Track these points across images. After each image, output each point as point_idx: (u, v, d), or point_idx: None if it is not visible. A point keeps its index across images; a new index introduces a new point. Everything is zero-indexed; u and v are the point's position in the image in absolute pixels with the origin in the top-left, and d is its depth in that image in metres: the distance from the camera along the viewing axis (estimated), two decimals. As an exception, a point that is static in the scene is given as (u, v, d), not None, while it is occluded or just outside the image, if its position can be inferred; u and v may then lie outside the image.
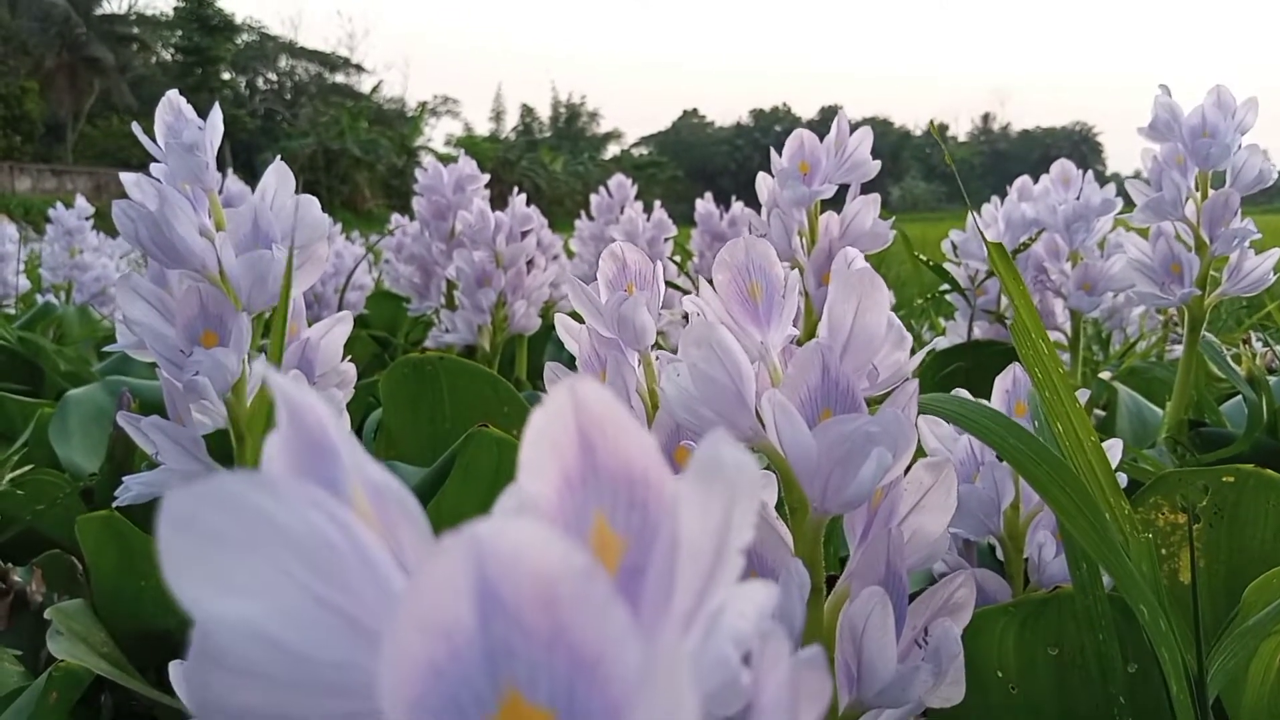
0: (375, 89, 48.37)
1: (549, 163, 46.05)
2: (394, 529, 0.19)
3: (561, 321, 0.60)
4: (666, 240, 2.27)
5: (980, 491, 0.62)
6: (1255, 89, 1.19)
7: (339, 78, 48.46)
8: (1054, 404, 0.52)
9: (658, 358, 0.57)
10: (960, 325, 1.63)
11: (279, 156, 0.81)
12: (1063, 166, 1.59)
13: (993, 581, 0.63)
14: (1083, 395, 0.57)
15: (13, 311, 2.74)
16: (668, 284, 1.99)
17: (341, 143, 37.14)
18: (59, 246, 2.81)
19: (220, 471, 0.74)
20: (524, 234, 1.70)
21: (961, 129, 75.38)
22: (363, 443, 1.14)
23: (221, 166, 0.76)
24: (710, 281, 0.49)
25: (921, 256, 1.50)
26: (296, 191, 0.76)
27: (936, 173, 63.40)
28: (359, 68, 49.04)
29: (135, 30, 42.58)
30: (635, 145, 66.70)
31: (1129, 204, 1.21)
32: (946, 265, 1.62)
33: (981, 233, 0.63)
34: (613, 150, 62.29)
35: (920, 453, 0.55)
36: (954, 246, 1.68)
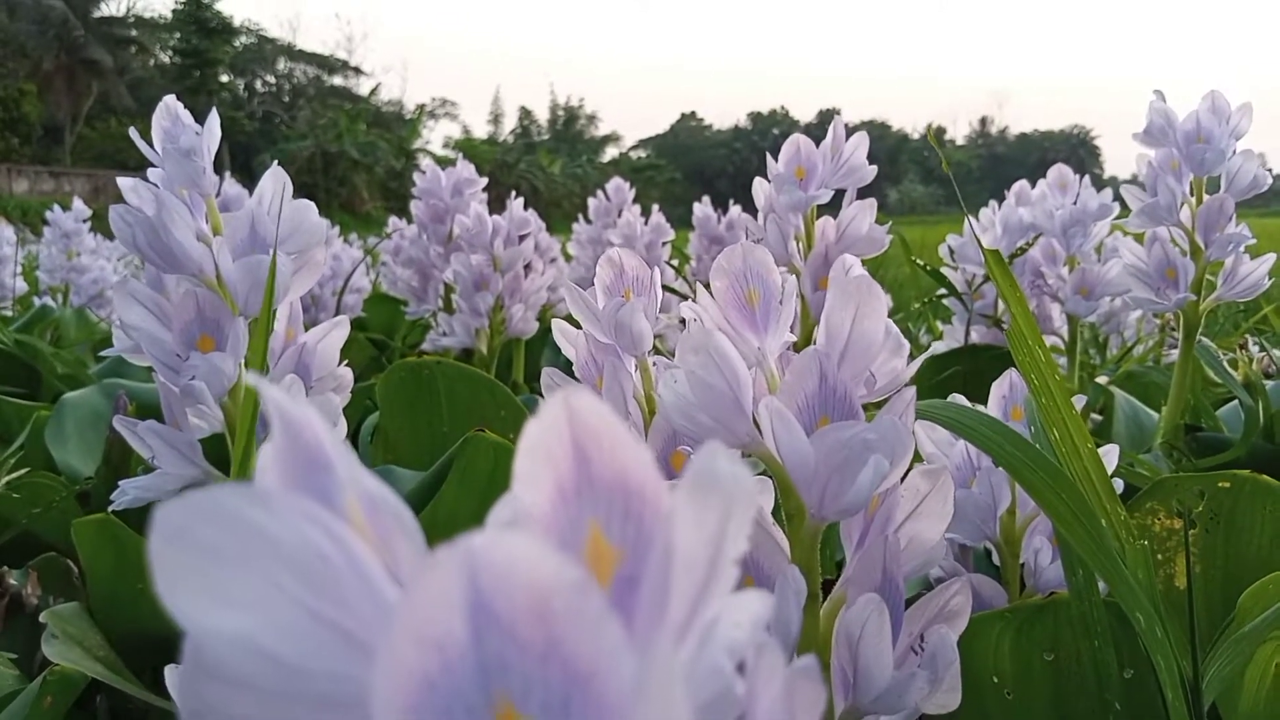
0: (373, 91, 48.39)
1: (547, 165, 46.07)
2: (388, 541, 0.19)
3: (559, 327, 0.60)
4: (664, 244, 2.28)
5: (976, 497, 0.62)
6: (1250, 93, 1.19)
7: (337, 80, 48.48)
8: (1050, 410, 0.52)
9: (655, 363, 0.57)
10: (957, 329, 1.63)
11: (276, 160, 0.81)
12: (1060, 171, 1.59)
13: (988, 587, 0.63)
14: (1079, 401, 0.57)
15: (10, 314, 2.74)
16: (665, 288, 1.99)
17: (339, 145, 37.13)
18: (56, 249, 2.81)
19: (216, 478, 0.74)
20: (522, 238, 1.70)
21: (959, 132, 75.50)
22: (359, 446, 1.14)
23: (219, 169, 0.76)
24: (708, 286, 0.49)
25: (919, 261, 1.50)
26: (294, 195, 0.76)
27: (934, 176, 63.46)
28: (357, 70, 49.06)
29: (133, 33, 42.56)
30: (633, 148, 66.76)
31: (1125, 209, 1.21)
32: (944, 270, 1.62)
33: (979, 239, 0.63)
34: (611, 153, 62.34)
35: (916, 458, 0.55)
36: (951, 251, 1.69)
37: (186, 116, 0.74)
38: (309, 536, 0.17)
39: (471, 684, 0.16)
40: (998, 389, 0.63)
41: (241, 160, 36.49)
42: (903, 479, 0.44)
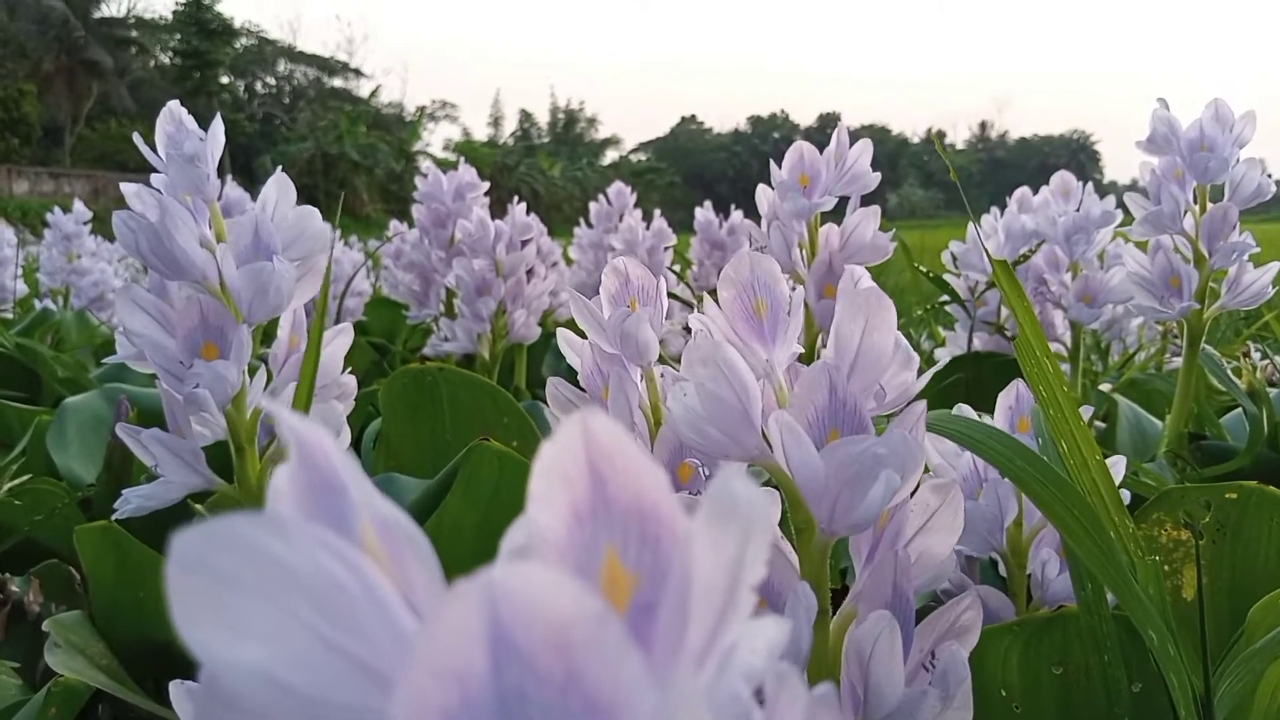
0: (374, 93, 48.40)
1: (547, 168, 46.07)
2: (403, 566, 0.19)
3: (563, 336, 0.60)
4: (666, 249, 2.27)
5: (983, 508, 0.61)
6: (1252, 100, 1.19)
7: (337, 82, 48.50)
8: (1058, 421, 0.52)
9: (662, 374, 0.57)
10: (960, 336, 1.63)
11: (278, 164, 0.81)
12: (1062, 178, 1.59)
13: (996, 599, 0.63)
14: (1086, 412, 0.57)
15: (10, 316, 2.73)
16: (668, 294, 1.99)
17: (340, 147, 37.13)
18: (57, 251, 2.81)
19: (219, 486, 0.74)
20: (524, 243, 1.69)
21: (959, 136, 75.55)
22: (362, 453, 1.14)
23: (220, 171, 0.76)
24: (710, 292, 0.48)
25: (921, 267, 1.49)
26: (295, 199, 0.76)
27: (934, 180, 63.50)
28: (357, 72, 49.07)
29: (134, 34, 42.58)
30: (633, 151, 66.78)
31: (1129, 215, 1.21)
32: (946, 276, 1.62)
33: (985, 247, 0.63)
34: (611, 156, 62.36)
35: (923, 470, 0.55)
36: (954, 258, 1.68)
37: (190, 122, 0.74)
38: (325, 566, 0.17)
39: (491, 716, 0.16)
40: (1004, 400, 0.63)
41: (242, 162, 36.49)
42: (912, 493, 0.44)
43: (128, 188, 0.73)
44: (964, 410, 0.61)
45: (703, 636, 0.19)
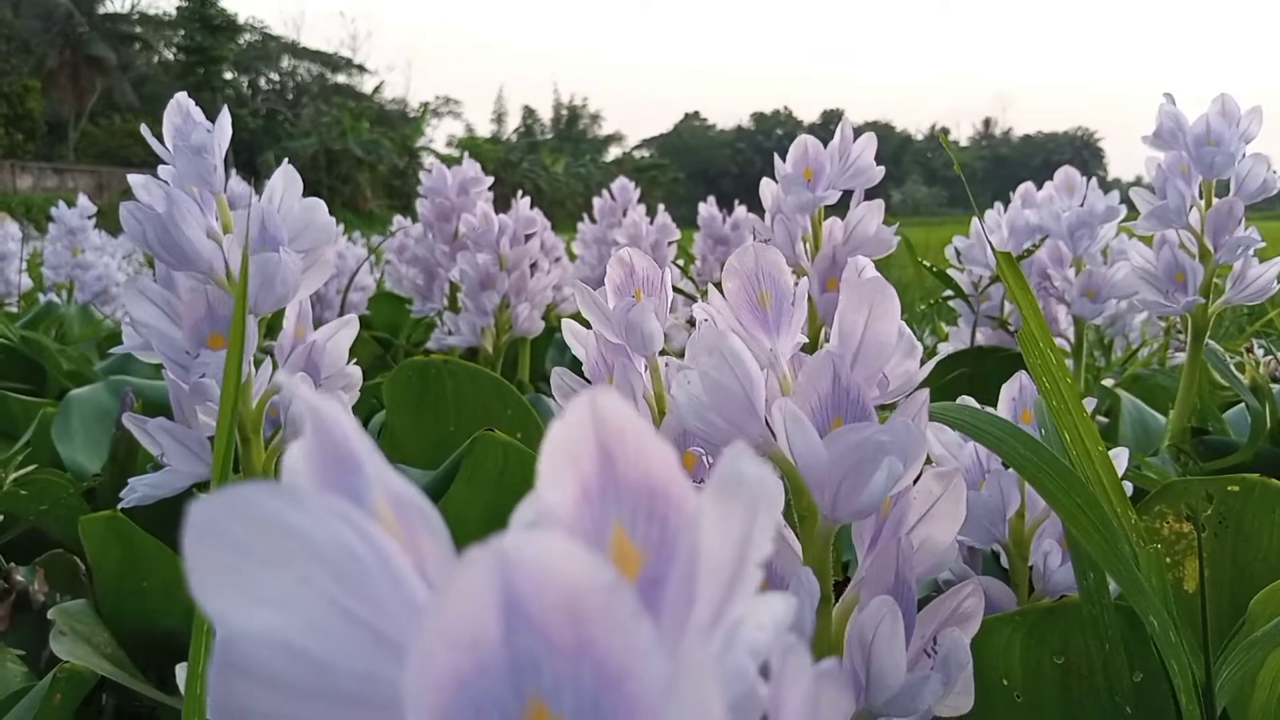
0: (377, 89, 48.40)
1: (550, 164, 46.06)
2: (415, 539, 0.19)
3: (569, 327, 0.60)
4: (670, 244, 2.28)
5: (986, 499, 0.62)
6: (1258, 96, 1.19)
7: (341, 78, 48.48)
8: (1062, 413, 0.52)
9: (666, 364, 0.57)
10: (963, 331, 1.63)
11: (283, 159, 0.81)
12: (1066, 174, 1.59)
13: (997, 589, 0.63)
14: (1089, 404, 0.57)
15: (15, 310, 2.74)
16: (672, 288, 1.99)
17: (343, 143, 37.14)
18: (61, 245, 2.81)
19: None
20: (528, 237, 1.70)
21: (963, 133, 75.47)
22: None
23: (225, 166, 0.76)
24: (714, 286, 0.49)
25: (925, 262, 1.50)
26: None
27: (938, 177, 63.46)
28: (361, 68, 49.06)
29: (138, 29, 42.58)
30: (637, 147, 66.76)
31: (1133, 210, 1.21)
32: (950, 271, 1.62)
33: (990, 241, 0.63)
34: (614, 152, 62.34)
35: (926, 459, 0.55)
36: (958, 253, 1.69)
37: (198, 114, 0.74)
38: (341, 535, 0.17)
39: (503, 684, 0.16)
40: (1008, 391, 0.63)
41: (245, 158, 36.50)
42: (915, 481, 0.44)
43: (135, 179, 0.74)
44: (967, 402, 0.61)
45: (710, 611, 0.20)
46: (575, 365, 0.60)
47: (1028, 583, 0.64)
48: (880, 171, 0.99)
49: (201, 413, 0.73)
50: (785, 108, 72.31)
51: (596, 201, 2.46)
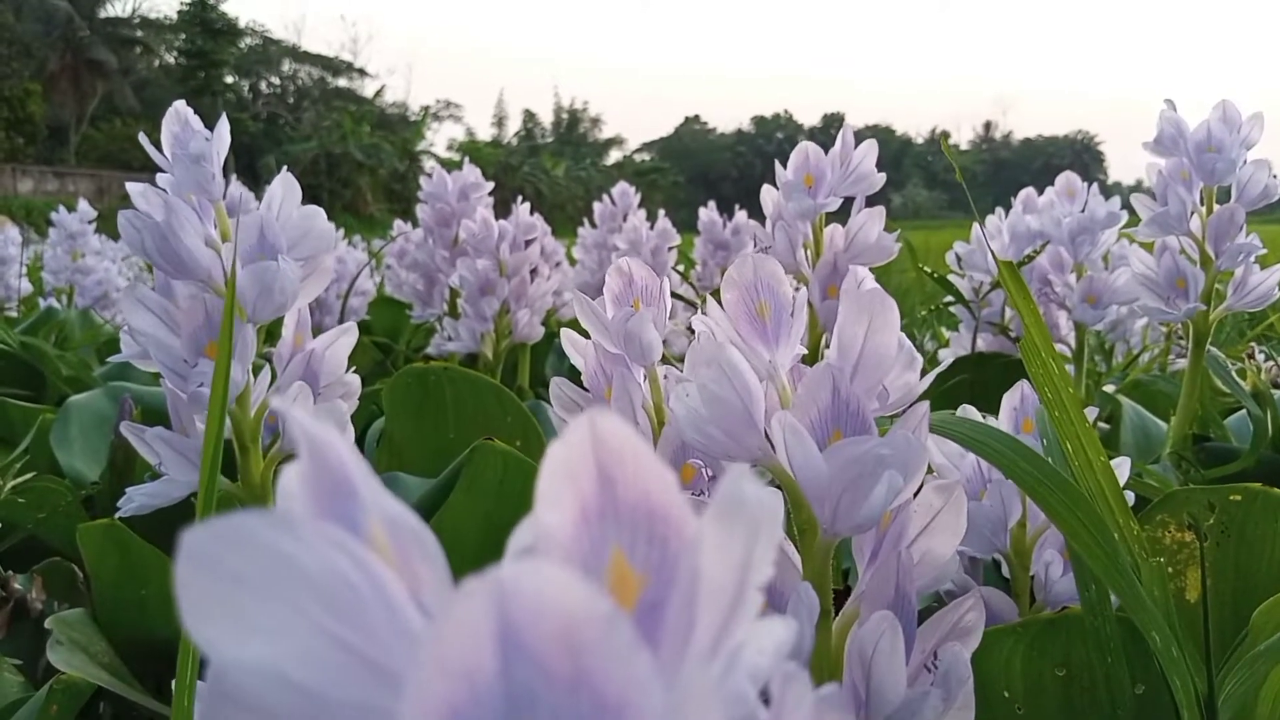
0: (378, 93, 48.44)
1: (551, 168, 46.08)
2: (411, 565, 0.19)
3: (567, 336, 0.60)
4: (670, 249, 2.27)
5: (987, 509, 0.61)
6: (1260, 101, 1.19)
7: (342, 82, 48.51)
8: (1064, 423, 0.52)
9: (664, 375, 0.57)
10: (964, 337, 1.62)
11: (282, 164, 0.81)
12: (1067, 179, 1.59)
13: (999, 600, 0.63)
14: (1090, 414, 0.57)
15: (15, 314, 2.74)
16: (671, 294, 1.99)
17: (344, 147, 37.15)
18: (61, 250, 2.81)
19: (222, 486, 0.74)
20: (528, 243, 1.70)
21: (963, 137, 75.53)
22: (365, 452, 1.14)
23: (223, 171, 0.76)
24: (714, 293, 0.49)
25: (925, 268, 1.49)
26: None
27: (938, 181, 63.50)
28: (362, 72, 49.10)
29: (139, 33, 42.61)
30: (637, 151, 66.80)
31: (1134, 216, 1.21)
32: (950, 277, 1.61)
33: (990, 248, 0.63)
34: (615, 156, 62.37)
35: (927, 469, 0.55)
36: (958, 259, 1.68)
37: (196, 122, 0.74)
38: (336, 564, 0.17)
39: (499, 715, 0.16)
40: (1009, 401, 0.63)
41: (245, 162, 36.51)
42: (916, 494, 0.44)
43: (133, 187, 0.73)
44: (968, 411, 0.61)
45: (710, 636, 0.19)
46: (575, 372, 0.60)
47: (1029, 593, 0.64)
48: (881, 178, 0.99)
49: (199, 421, 0.72)
50: (785, 111, 72.41)
51: (597, 206, 2.46)
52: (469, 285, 1.67)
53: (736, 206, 2.46)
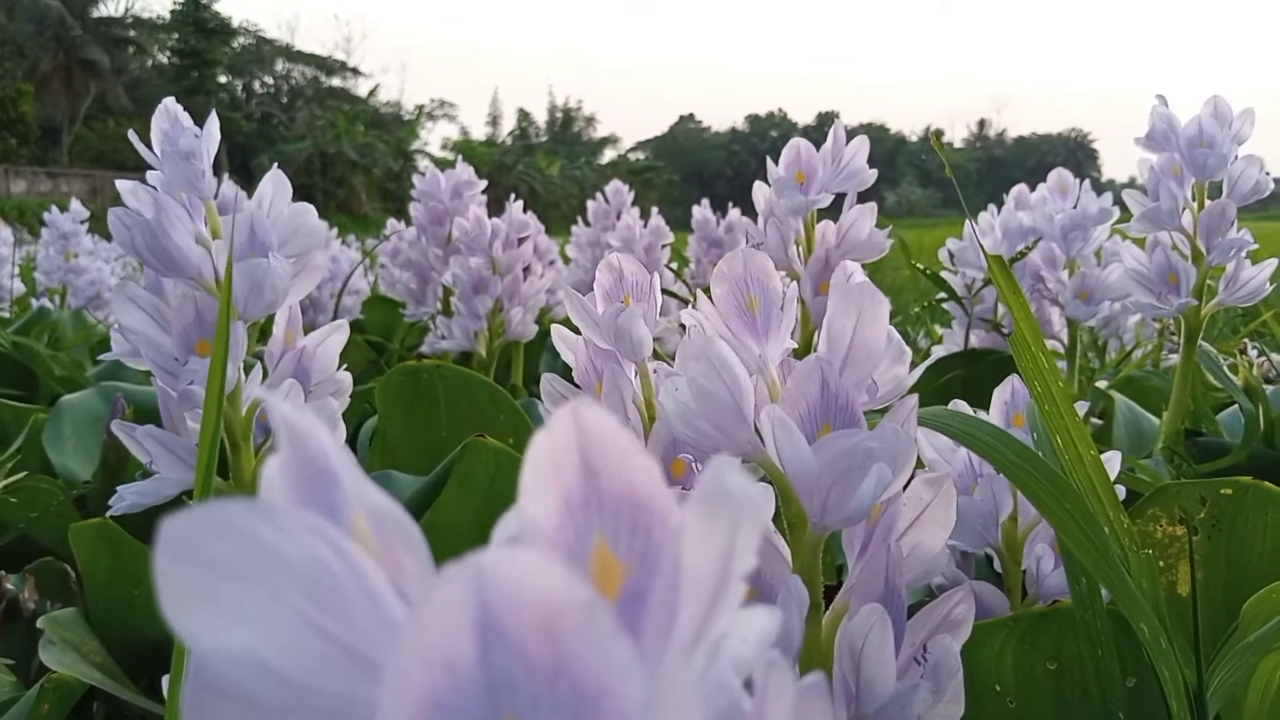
0: (372, 93, 48.35)
1: (545, 167, 46.04)
2: (394, 555, 0.19)
3: (558, 332, 0.60)
4: (664, 247, 2.27)
5: (978, 504, 0.61)
6: (1249, 97, 1.19)
7: (335, 81, 48.41)
8: (1053, 417, 0.52)
9: (655, 370, 0.57)
10: (957, 333, 1.63)
11: (274, 161, 0.81)
12: (1059, 175, 1.59)
13: (991, 594, 0.63)
14: (1081, 408, 0.57)
15: (7, 315, 2.73)
16: (665, 291, 1.99)
17: (338, 146, 37.09)
18: (54, 250, 2.81)
19: (214, 483, 0.74)
20: (521, 240, 1.69)
21: (957, 135, 75.59)
22: (358, 450, 1.14)
23: (217, 170, 0.75)
24: (707, 290, 0.49)
25: (919, 265, 1.50)
26: (292, 196, 0.76)
27: (932, 179, 63.55)
28: (355, 71, 49.01)
29: (131, 33, 42.51)
30: (632, 150, 66.79)
31: (1126, 212, 1.21)
32: (943, 274, 1.62)
33: (980, 244, 0.63)
34: (609, 155, 62.35)
35: (918, 463, 0.55)
36: (951, 255, 1.69)
37: (186, 119, 0.74)
38: (316, 552, 0.17)
39: (479, 703, 0.16)
40: (999, 395, 0.63)
41: (239, 161, 36.46)
42: (905, 487, 0.44)
43: (123, 185, 0.73)
44: (959, 406, 0.61)
45: (693, 626, 0.19)
46: (569, 370, 0.60)
47: (1021, 587, 0.64)
48: (873, 174, 0.99)
49: (190, 420, 0.72)
50: (780, 109, 72.43)
51: (590, 205, 2.46)
52: (462, 283, 1.67)
53: (731, 205, 2.46)
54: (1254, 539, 0.65)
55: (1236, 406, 1.18)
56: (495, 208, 1.79)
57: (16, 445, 1.18)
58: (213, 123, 0.74)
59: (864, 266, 0.73)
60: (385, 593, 0.17)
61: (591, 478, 0.20)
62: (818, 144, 1.00)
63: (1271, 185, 1.14)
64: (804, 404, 0.42)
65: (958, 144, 73.53)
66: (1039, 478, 0.46)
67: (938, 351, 1.62)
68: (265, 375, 0.75)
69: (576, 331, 0.58)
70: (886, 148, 64.45)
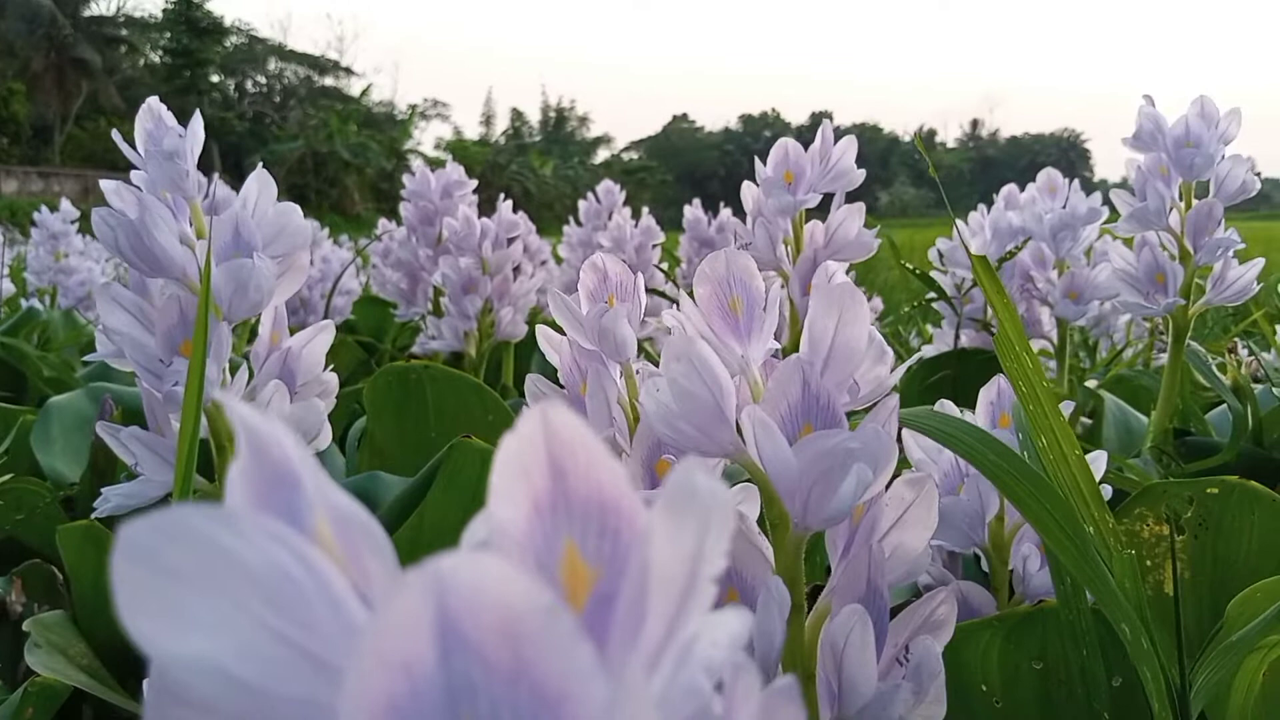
0: (365, 92, 48.29)
1: (539, 167, 46.03)
2: (358, 559, 0.19)
3: (543, 333, 0.60)
4: (654, 247, 2.27)
5: (964, 504, 0.61)
6: (1236, 97, 1.19)
7: (328, 81, 48.33)
8: (1038, 417, 0.52)
9: (639, 370, 0.57)
10: (947, 333, 1.63)
11: (269, 163, 0.81)
12: (1049, 175, 1.59)
13: (977, 594, 0.63)
14: (1066, 407, 0.57)
15: (-3, 315, 2.72)
16: (655, 291, 1.99)
17: (330, 146, 37.04)
18: (44, 250, 2.80)
19: (199, 486, 0.74)
20: (510, 240, 1.69)
21: (950, 135, 75.70)
22: (347, 451, 1.13)
23: (209, 170, 0.75)
24: (687, 292, 0.48)
25: (909, 265, 1.50)
26: (284, 196, 0.75)
27: (925, 179, 63.60)
28: (348, 71, 48.93)
29: (123, 32, 42.39)
30: (625, 150, 66.80)
31: (1115, 212, 1.21)
32: (933, 273, 1.62)
33: (966, 245, 0.63)
34: (603, 155, 62.37)
35: (905, 464, 0.55)
36: (940, 255, 1.69)
37: (170, 118, 0.74)
38: (276, 558, 0.16)
39: (438, 707, 0.16)
40: (985, 395, 0.63)
41: (232, 161, 36.36)
42: (887, 488, 0.44)
43: (107, 185, 0.73)
44: (946, 406, 0.61)
45: (662, 628, 0.19)
46: (555, 371, 0.60)
47: (1008, 587, 0.64)
48: (861, 174, 0.99)
49: (175, 421, 0.72)
50: (773, 109, 72.46)
51: (582, 204, 2.45)
52: (452, 283, 1.66)
53: (723, 205, 2.46)
54: (1240, 538, 0.65)
55: (1225, 406, 1.18)
56: (489, 207, 1.79)
57: (4, 446, 1.17)
58: (196, 121, 0.74)
59: (855, 266, 0.73)
60: (347, 597, 0.17)
61: (560, 480, 0.20)
62: (810, 144, 1.00)
63: (1258, 185, 1.15)
64: (785, 404, 0.42)
65: (951, 144, 73.63)
66: (1020, 478, 0.46)
67: (928, 351, 1.62)
68: (251, 376, 0.75)
69: (563, 332, 0.58)
70: (880, 148, 64.48)
